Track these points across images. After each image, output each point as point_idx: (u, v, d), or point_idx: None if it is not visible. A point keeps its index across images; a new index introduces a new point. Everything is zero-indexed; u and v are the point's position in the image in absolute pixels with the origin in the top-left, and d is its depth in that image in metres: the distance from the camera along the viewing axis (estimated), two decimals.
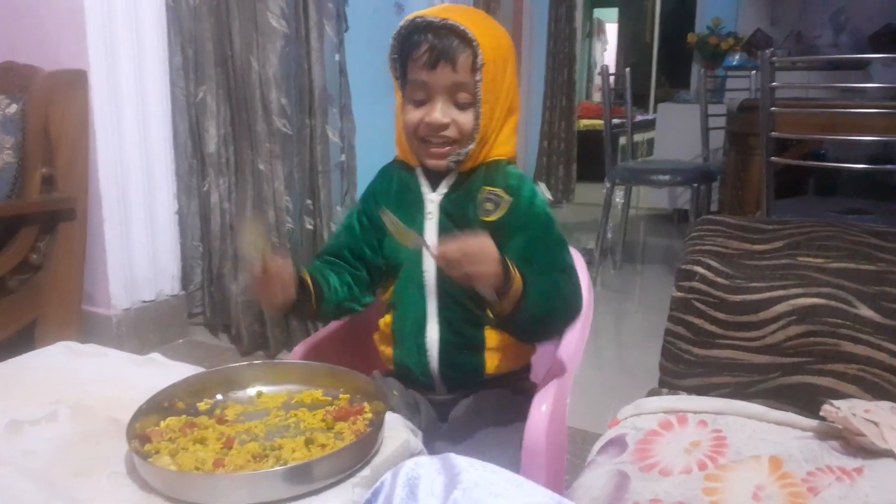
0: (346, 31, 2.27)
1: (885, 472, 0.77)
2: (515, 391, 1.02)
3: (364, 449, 0.72)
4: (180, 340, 2.37)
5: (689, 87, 4.85)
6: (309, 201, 2.25)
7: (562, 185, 5.08)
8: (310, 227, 2.26)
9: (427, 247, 0.91)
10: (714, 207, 3.59)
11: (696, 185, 3.24)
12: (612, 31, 8.35)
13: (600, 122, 3.55)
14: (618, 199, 3.88)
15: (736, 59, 4.32)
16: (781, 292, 1.02)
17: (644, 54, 7.16)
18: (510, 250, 0.90)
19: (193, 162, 2.35)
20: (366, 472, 0.71)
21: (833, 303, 0.98)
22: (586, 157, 5.18)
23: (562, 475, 1.02)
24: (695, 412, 0.93)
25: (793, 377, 1.00)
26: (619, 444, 0.89)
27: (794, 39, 4.28)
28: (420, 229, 0.98)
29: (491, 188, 0.97)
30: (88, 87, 2.03)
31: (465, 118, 0.93)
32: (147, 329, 2.26)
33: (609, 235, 3.68)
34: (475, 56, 0.90)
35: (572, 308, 0.93)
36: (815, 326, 0.98)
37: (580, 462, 1.03)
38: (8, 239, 1.91)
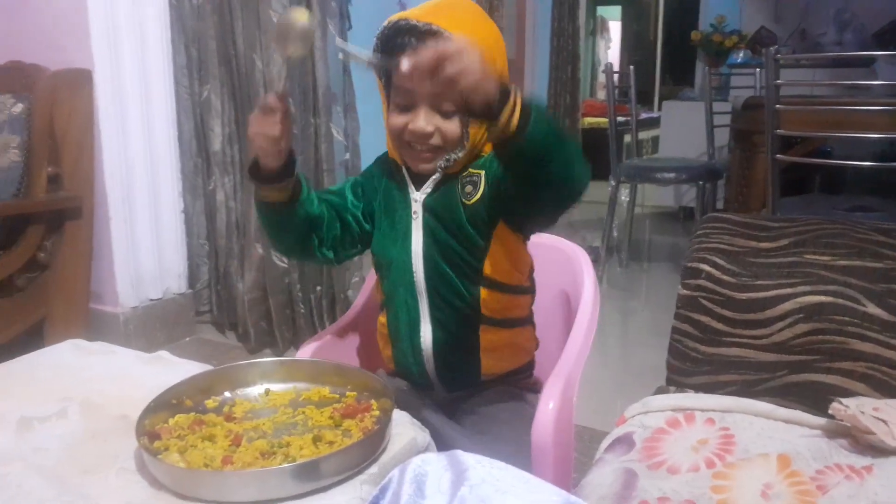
0: (350, 30, 2.27)
1: (894, 470, 0.77)
2: (518, 390, 1.02)
3: (372, 446, 0.72)
4: (187, 338, 2.38)
5: (693, 84, 4.83)
6: None
7: None
8: None
9: (384, 63, 0.90)
10: (719, 205, 3.57)
11: (701, 182, 3.23)
12: (615, 28, 8.33)
13: (605, 119, 3.54)
14: (623, 197, 3.88)
15: (740, 56, 4.30)
16: (788, 290, 1.01)
17: (648, 52, 7.14)
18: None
19: (198, 160, 2.35)
20: (373, 469, 0.71)
21: (840, 300, 0.98)
22: (591, 154, 5.10)
23: (569, 473, 1.02)
24: (702, 410, 0.93)
25: (800, 375, 0.99)
26: (626, 441, 0.89)
27: (799, 37, 4.26)
28: (407, 229, 0.97)
29: (467, 172, 0.96)
30: (93, 87, 2.04)
31: (451, 126, 0.91)
32: (154, 327, 2.27)
33: (615, 233, 3.68)
34: None
35: (585, 164, 0.85)
36: (823, 324, 0.98)
37: (587, 460, 1.03)
38: (15, 238, 1.92)
